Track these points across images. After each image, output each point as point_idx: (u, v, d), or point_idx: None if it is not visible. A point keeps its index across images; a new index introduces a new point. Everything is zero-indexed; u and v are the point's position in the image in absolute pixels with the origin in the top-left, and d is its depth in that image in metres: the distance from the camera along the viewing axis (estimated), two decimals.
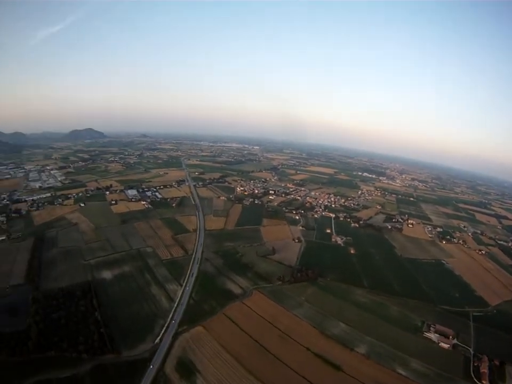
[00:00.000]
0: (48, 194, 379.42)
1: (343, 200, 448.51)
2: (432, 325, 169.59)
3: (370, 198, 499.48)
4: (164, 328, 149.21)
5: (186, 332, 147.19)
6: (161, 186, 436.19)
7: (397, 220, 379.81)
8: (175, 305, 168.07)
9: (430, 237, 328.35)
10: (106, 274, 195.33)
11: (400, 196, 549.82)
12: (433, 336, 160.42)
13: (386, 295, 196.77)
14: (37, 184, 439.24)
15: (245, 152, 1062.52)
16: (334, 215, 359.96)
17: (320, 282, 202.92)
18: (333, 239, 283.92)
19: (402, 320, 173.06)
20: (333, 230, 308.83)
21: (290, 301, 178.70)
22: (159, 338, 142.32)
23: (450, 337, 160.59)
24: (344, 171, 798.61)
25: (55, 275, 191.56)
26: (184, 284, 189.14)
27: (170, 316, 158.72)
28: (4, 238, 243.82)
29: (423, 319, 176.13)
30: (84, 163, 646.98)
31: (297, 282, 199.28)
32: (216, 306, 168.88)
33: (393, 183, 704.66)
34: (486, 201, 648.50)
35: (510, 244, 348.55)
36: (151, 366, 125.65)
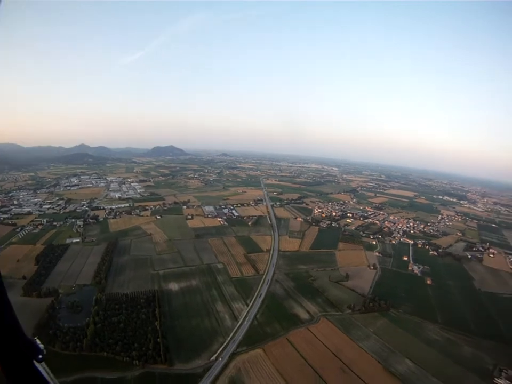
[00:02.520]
0: (127, 205, 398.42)
1: (422, 226, 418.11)
2: (504, 370, 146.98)
3: (450, 223, 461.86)
4: (223, 346, 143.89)
5: (244, 352, 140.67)
6: (239, 205, 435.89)
7: (478, 248, 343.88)
8: (238, 324, 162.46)
9: (511, 268, 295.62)
10: (173, 286, 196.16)
11: (481, 222, 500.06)
12: (503, 382, 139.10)
13: (460, 333, 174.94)
14: (117, 195, 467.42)
15: (324, 173, 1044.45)
16: (412, 242, 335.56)
17: (392, 314, 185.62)
18: (410, 268, 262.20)
19: (473, 362, 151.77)
20: (410, 258, 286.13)
21: (358, 332, 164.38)
22: (215, 355, 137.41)
23: None
24: (423, 194, 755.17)
25: (122, 281, 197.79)
26: (250, 304, 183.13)
27: (231, 334, 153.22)
28: (78, 240, 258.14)
29: (495, 362, 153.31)
30: (163, 178, 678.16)
31: (368, 312, 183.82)
32: (280, 330, 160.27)
33: (475, 208, 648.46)
34: None
35: None
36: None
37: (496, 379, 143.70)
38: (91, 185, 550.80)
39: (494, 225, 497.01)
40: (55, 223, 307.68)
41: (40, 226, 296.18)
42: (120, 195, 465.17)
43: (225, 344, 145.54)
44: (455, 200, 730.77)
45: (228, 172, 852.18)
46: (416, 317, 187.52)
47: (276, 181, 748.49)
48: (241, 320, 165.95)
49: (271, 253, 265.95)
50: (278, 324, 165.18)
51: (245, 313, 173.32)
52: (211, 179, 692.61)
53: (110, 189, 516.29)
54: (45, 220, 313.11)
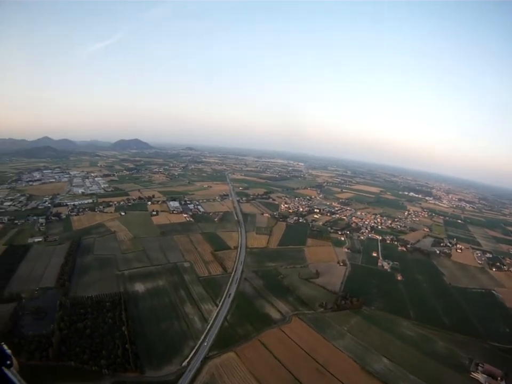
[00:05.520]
0: (90, 201, 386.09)
1: (389, 221, 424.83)
2: (480, 364, 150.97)
3: (417, 219, 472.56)
4: (194, 350, 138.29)
5: (217, 356, 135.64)
6: (204, 200, 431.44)
7: (445, 244, 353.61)
8: (208, 326, 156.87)
9: (479, 263, 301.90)
10: (139, 287, 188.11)
11: (447, 218, 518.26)
12: (480, 377, 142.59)
13: (434, 329, 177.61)
14: (80, 190, 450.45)
15: (290, 168, 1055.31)
16: (380, 237, 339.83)
17: (364, 311, 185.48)
18: (380, 264, 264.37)
19: (449, 358, 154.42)
20: (380, 254, 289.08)
21: (332, 331, 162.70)
22: (187, 361, 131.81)
23: (499, 378, 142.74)
24: (389, 190, 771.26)
25: (86, 282, 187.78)
26: (220, 304, 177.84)
27: (202, 337, 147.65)
28: (40, 239, 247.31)
29: (471, 356, 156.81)
30: (128, 172, 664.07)
31: (340, 310, 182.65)
32: (251, 331, 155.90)
33: (440, 204, 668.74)
34: None
35: None
36: None
37: (473, 373, 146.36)
38: (54, 180, 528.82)
39: (459, 221, 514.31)
40: (16, 221, 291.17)
41: (0, 225, 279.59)
42: (83, 190, 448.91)
43: (196, 348, 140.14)
44: (420, 196, 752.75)
45: (193, 166, 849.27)
46: (389, 313, 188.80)
47: (241, 175, 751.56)
48: (211, 322, 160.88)
49: (239, 250, 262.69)
50: (250, 325, 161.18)
51: (215, 314, 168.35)
52: (176, 173, 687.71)
53: (73, 184, 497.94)
54: (5, 218, 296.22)
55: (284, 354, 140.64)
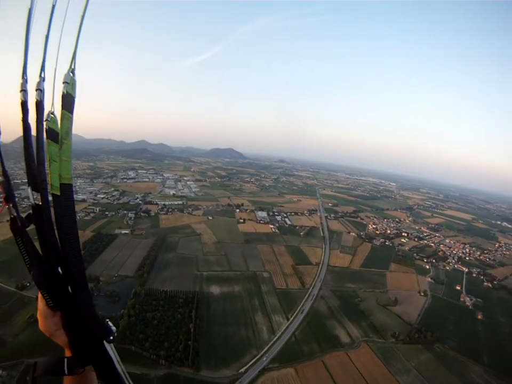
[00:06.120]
0: (180, 202, 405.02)
1: (478, 253, 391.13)
2: None
3: (508, 253, 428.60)
4: (254, 359, 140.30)
5: (275, 370, 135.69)
6: (292, 213, 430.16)
7: None
8: (275, 338, 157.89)
9: None
10: (215, 290, 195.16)
11: None
12: None
13: (505, 379, 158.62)
14: (171, 191, 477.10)
15: (381, 188, 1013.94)
16: (467, 269, 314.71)
17: (436, 348, 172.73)
18: (462, 299, 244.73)
19: None
20: (463, 288, 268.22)
21: (398, 364, 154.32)
22: (245, 368, 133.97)
23: None
24: (482, 218, 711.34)
25: (164, 277, 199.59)
26: (291, 319, 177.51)
27: (266, 348, 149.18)
28: (127, 232, 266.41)
29: None
30: (220, 179, 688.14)
31: (412, 343, 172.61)
32: (317, 350, 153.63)
33: None
34: None
35: None
36: None
37: None
38: (147, 179, 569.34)
39: None
40: (107, 213, 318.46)
41: (92, 214, 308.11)
42: (174, 192, 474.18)
43: (257, 357, 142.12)
44: None
45: (284, 179, 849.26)
46: (461, 355, 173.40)
47: (332, 191, 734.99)
48: (278, 335, 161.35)
49: (320, 266, 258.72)
50: (316, 344, 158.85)
51: (284, 327, 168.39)
52: (267, 184, 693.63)
53: (165, 185, 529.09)
54: (97, 209, 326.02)
55: (343, 379, 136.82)
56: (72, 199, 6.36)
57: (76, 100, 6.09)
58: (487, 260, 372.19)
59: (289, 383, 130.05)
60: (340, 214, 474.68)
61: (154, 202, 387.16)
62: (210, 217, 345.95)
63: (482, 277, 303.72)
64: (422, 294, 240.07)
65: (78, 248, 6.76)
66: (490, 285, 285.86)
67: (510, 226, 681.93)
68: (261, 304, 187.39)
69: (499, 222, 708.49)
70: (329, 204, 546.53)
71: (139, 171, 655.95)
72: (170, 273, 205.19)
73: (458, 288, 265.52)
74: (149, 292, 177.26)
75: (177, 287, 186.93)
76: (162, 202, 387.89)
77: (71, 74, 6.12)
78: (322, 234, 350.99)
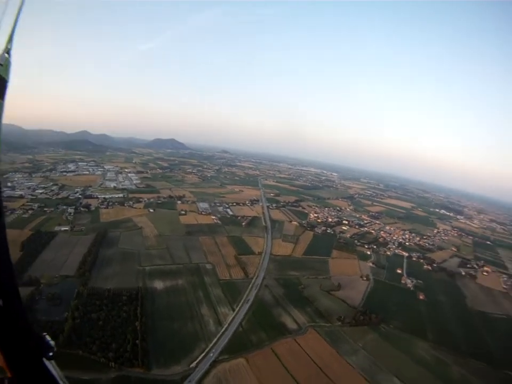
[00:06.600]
0: (121, 195, 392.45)
1: (418, 238, 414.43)
2: None
3: (446, 238, 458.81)
4: (204, 352, 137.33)
5: (226, 361, 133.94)
6: (234, 203, 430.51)
7: (472, 265, 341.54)
8: (222, 330, 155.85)
9: (504, 288, 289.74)
10: (158, 284, 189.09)
11: (477, 239, 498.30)
12: None
13: (450, 353, 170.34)
14: (112, 184, 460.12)
15: (323, 178, 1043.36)
16: (407, 254, 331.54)
17: (382, 329, 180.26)
18: (403, 281, 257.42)
19: None
20: (404, 271, 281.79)
21: (346, 346, 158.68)
22: (195, 362, 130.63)
23: None
24: (421, 206, 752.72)
25: (107, 274, 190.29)
26: (237, 309, 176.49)
27: (214, 340, 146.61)
28: (67, 228, 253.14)
29: None
30: (161, 171, 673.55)
31: (358, 325, 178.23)
32: (265, 339, 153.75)
33: (471, 224, 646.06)
34: None
35: None
36: None
37: None
38: (88, 172, 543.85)
39: (489, 242, 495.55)
40: (46, 209, 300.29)
41: (30, 211, 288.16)
42: (115, 185, 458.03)
43: (207, 350, 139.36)
44: (451, 214, 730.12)
45: (226, 169, 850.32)
46: (406, 333, 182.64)
47: (274, 181, 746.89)
48: (225, 326, 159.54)
49: (263, 256, 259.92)
50: (264, 333, 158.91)
51: (230, 318, 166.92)
52: (209, 175, 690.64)
53: (106, 178, 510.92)
54: (36, 205, 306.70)
55: (294, 365, 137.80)
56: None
57: (9, 84, 5.60)
58: (426, 244, 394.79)
59: (241, 373, 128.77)
60: (281, 203, 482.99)
61: (95, 196, 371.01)
62: (151, 210, 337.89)
63: (422, 261, 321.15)
64: (365, 278, 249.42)
65: (6, 251, 6.09)
66: (430, 268, 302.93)
67: (447, 213, 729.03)
68: (205, 297, 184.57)
69: (437, 210, 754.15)
70: (271, 194, 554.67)
71: (79, 163, 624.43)
72: (113, 270, 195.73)
73: (399, 271, 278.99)
74: (92, 291, 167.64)
75: (120, 284, 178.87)
76: (103, 196, 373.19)
77: (6, 55, 5.50)
78: (264, 224, 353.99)
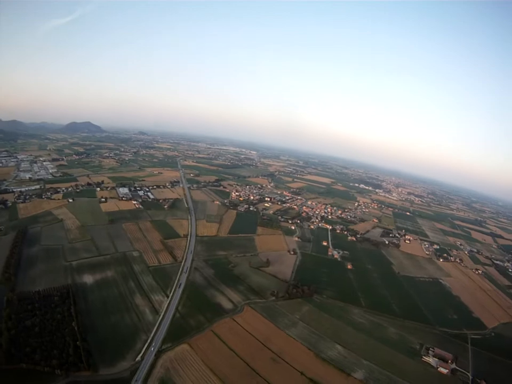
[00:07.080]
0: (38, 187, 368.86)
1: (339, 212, 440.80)
2: (430, 348, 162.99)
3: (367, 210, 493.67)
4: (146, 344, 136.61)
5: (170, 350, 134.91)
6: (154, 186, 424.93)
7: (394, 235, 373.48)
8: (160, 318, 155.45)
9: (427, 254, 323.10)
10: (88, 279, 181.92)
11: (396, 210, 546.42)
12: (431, 360, 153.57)
13: (384, 316, 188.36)
14: (27, 175, 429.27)
15: (242, 156, 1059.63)
16: (330, 227, 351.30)
17: (316, 300, 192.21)
18: (330, 253, 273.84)
19: (400, 343, 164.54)
20: (330, 243, 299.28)
21: (284, 319, 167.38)
22: (140, 355, 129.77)
23: (449, 361, 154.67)
24: (340, 181, 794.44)
25: (34, 276, 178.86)
26: (170, 295, 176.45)
27: (154, 330, 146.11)
28: None
29: (421, 341, 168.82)
30: (77, 156, 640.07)
31: (291, 298, 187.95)
32: (204, 322, 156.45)
33: (390, 197, 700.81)
34: (481, 219, 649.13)
35: (505, 264, 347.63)
36: None
37: (424, 357, 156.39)
38: (0, 164, 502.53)
39: (408, 213, 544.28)
40: None
41: None
42: (31, 176, 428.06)
43: (149, 341, 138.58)
44: (371, 188, 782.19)
45: (144, 152, 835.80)
46: (340, 301, 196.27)
47: (193, 162, 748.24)
48: (162, 314, 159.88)
49: (189, 238, 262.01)
50: (202, 316, 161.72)
51: (166, 305, 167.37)
52: (127, 158, 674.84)
53: (21, 169, 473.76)
54: None
55: (237, 344, 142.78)
56: None
57: None
58: (348, 217, 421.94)
59: (188, 359, 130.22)
60: (202, 183, 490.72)
61: (10, 190, 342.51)
62: (70, 200, 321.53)
63: (346, 232, 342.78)
64: (292, 252, 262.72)
65: None
66: (354, 239, 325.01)
67: (366, 187, 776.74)
68: (137, 286, 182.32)
69: (357, 184, 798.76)
70: (191, 175, 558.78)
71: None
72: (39, 270, 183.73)
73: (325, 244, 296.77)
74: (21, 295, 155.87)
75: (49, 284, 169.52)
76: (19, 189, 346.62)
77: None
78: (186, 205, 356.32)
